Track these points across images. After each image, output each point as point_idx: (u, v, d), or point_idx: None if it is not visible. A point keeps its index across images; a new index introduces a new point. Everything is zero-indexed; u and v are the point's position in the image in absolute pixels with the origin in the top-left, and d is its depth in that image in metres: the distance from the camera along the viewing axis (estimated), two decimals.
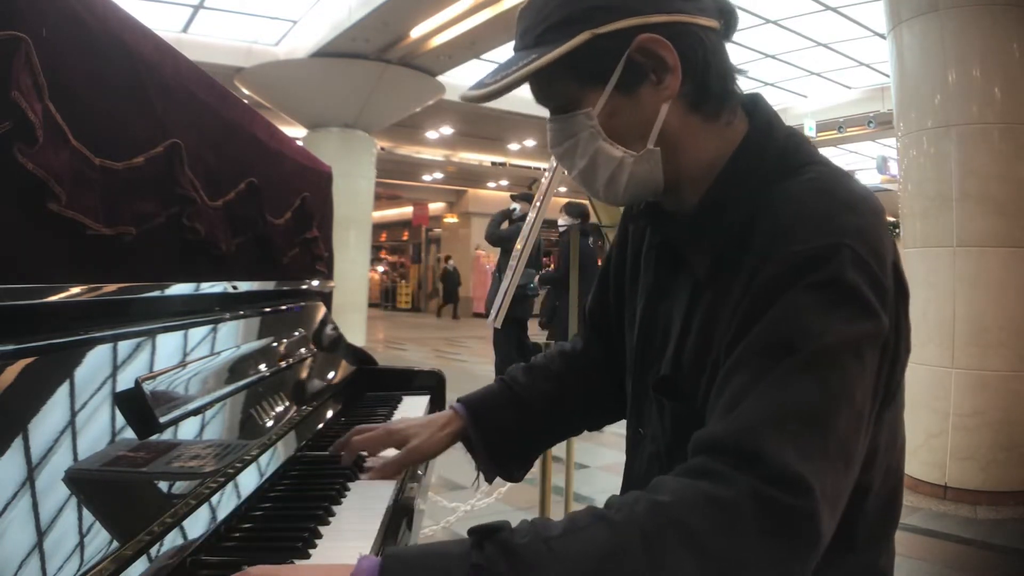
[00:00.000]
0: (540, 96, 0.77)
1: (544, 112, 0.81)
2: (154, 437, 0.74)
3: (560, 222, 5.43)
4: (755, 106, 0.78)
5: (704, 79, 0.72)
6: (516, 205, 5.85)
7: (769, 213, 0.67)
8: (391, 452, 1.04)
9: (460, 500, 2.70)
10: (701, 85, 0.72)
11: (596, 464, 4.22)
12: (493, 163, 16.72)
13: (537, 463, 1.91)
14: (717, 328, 0.70)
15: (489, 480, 1.02)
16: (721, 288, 0.70)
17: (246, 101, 1.96)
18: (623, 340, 0.93)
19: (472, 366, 8.57)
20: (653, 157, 0.73)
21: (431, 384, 1.71)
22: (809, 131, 11.84)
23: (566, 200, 5.58)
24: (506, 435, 0.99)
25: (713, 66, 0.72)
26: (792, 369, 0.60)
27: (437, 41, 8.16)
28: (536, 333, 5.97)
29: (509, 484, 2.53)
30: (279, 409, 1.10)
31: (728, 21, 0.76)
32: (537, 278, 5.98)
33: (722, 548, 0.54)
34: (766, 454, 0.57)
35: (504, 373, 1.05)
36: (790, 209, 0.66)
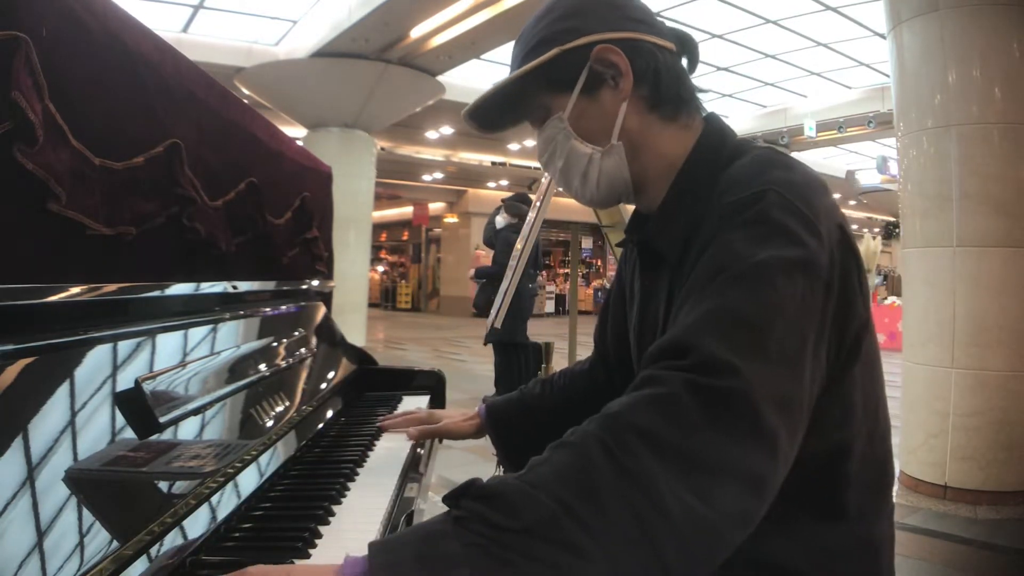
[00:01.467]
0: (527, 115, 0.89)
1: None
2: (154, 437, 0.74)
3: (499, 220, 5.50)
4: (711, 117, 0.88)
5: (656, 84, 0.83)
6: (502, 209, 5.80)
7: (718, 188, 0.76)
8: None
9: None
10: (654, 89, 0.83)
11: None
12: (493, 163, 16.72)
13: None
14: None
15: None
16: (688, 265, 0.75)
17: (246, 101, 1.96)
18: (621, 364, 1.02)
19: (472, 366, 8.57)
20: (617, 151, 0.84)
21: (431, 384, 1.72)
22: (809, 131, 11.85)
23: (509, 195, 5.72)
24: (516, 437, 1.12)
25: (664, 74, 0.83)
26: (724, 281, 0.65)
27: (437, 41, 8.16)
28: (535, 333, 5.96)
29: None
30: (279, 409, 1.10)
31: (689, 52, 0.88)
32: (473, 271, 6.00)
33: (675, 439, 0.57)
34: (696, 346, 0.61)
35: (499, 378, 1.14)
36: (730, 178, 0.76)
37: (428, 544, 0.54)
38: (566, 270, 20.67)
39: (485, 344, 5.61)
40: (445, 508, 0.58)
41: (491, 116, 0.90)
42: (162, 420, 0.75)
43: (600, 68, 0.82)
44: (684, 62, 0.88)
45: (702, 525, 0.56)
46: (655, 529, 0.54)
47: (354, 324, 9.39)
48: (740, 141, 0.85)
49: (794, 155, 0.93)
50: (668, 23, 0.89)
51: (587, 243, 20.80)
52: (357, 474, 1.05)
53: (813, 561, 0.74)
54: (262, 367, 1.11)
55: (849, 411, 0.75)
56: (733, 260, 0.66)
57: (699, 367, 0.60)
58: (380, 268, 24.29)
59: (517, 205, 5.50)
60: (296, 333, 1.38)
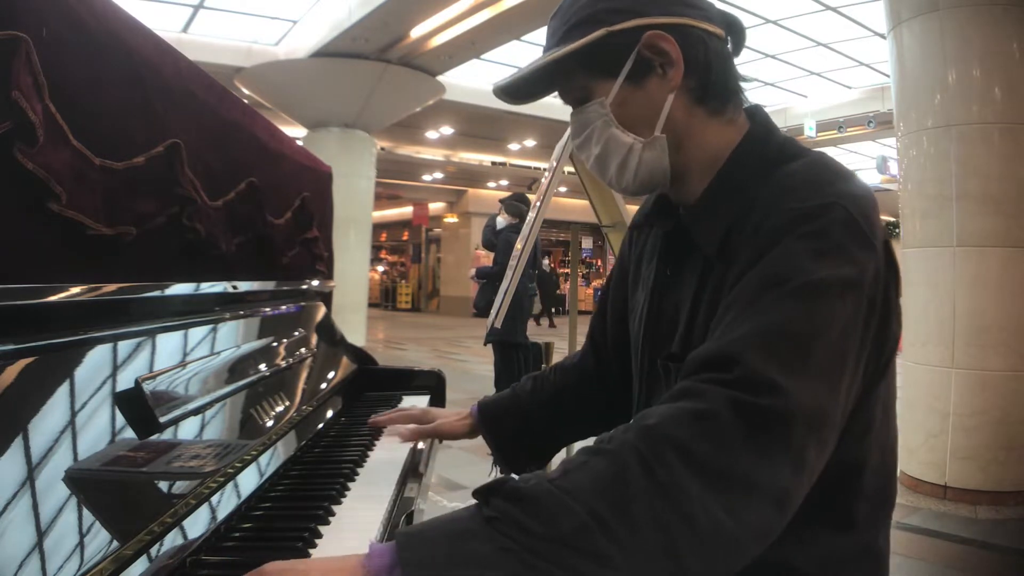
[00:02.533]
0: (562, 92, 0.85)
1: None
2: (154, 437, 0.74)
3: (499, 221, 5.49)
4: (756, 111, 0.85)
5: (706, 75, 0.79)
6: (502, 209, 5.78)
7: (772, 186, 0.74)
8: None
9: (460, 500, 2.70)
10: (703, 80, 0.79)
11: None
12: (493, 163, 16.71)
13: None
14: (725, 295, 0.73)
15: (503, 472, 1.13)
16: (729, 258, 0.74)
17: (246, 101, 1.96)
18: (619, 350, 1.01)
19: (472, 366, 8.56)
20: (660, 144, 0.80)
21: (431, 384, 1.71)
22: (809, 131, 11.84)
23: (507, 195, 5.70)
24: (509, 434, 1.11)
25: (714, 65, 0.80)
26: (779, 296, 0.65)
27: (437, 41, 8.15)
28: (534, 333, 5.96)
29: None
30: (279, 409, 1.10)
31: (736, 36, 0.84)
32: (474, 271, 6.00)
33: (712, 456, 0.57)
34: (743, 361, 0.61)
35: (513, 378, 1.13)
36: (790, 180, 0.73)
37: (459, 543, 0.55)
38: (566, 270, 20.66)
39: (485, 344, 5.61)
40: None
41: (525, 90, 0.85)
42: (162, 420, 0.75)
43: (649, 55, 0.77)
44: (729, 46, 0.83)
45: (728, 540, 0.57)
46: (682, 543, 0.55)
47: (354, 324, 9.38)
48: (786, 138, 0.82)
49: None
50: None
51: (587, 243, 20.79)
52: (357, 474, 1.05)
53: (822, 567, 0.75)
54: (262, 367, 1.11)
55: (869, 425, 0.75)
56: (792, 274, 0.65)
57: (743, 383, 0.60)
58: (380, 268, 24.28)
59: (516, 205, 5.51)
60: (296, 333, 1.38)
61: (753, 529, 0.58)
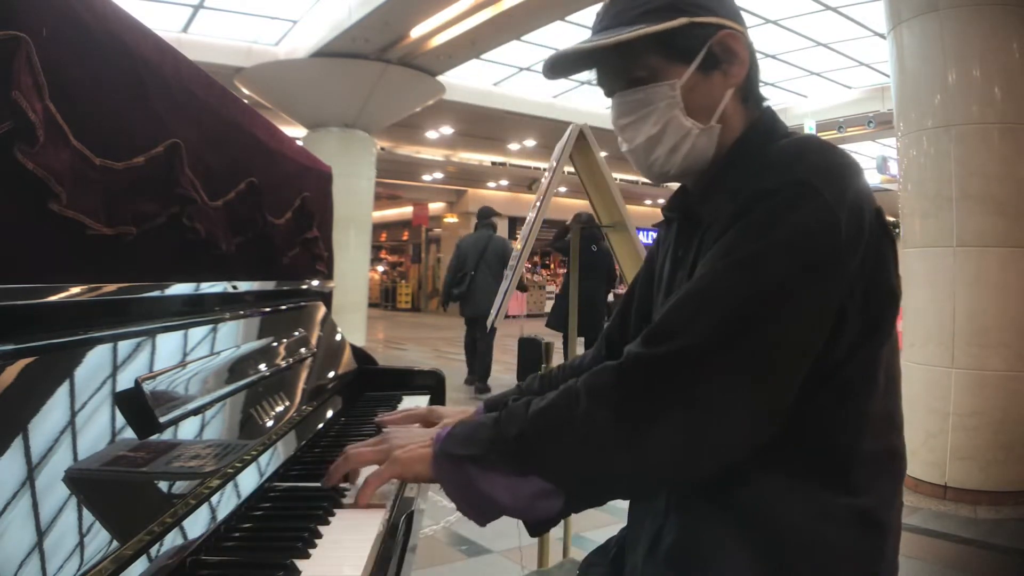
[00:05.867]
0: (620, 68, 0.88)
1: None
2: (154, 437, 0.74)
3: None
4: (767, 108, 0.93)
5: (755, 78, 0.90)
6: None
7: (759, 164, 0.80)
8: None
9: None
10: (752, 82, 0.89)
11: None
12: (493, 163, 16.71)
13: None
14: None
15: None
16: (714, 232, 0.80)
17: (246, 101, 1.96)
18: None
19: None
20: (714, 133, 0.87)
21: (431, 384, 1.72)
22: (809, 131, 11.84)
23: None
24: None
25: (759, 69, 0.91)
26: (719, 268, 0.74)
27: (437, 41, 8.15)
28: (535, 332, 5.96)
29: None
30: (279, 409, 1.10)
31: None
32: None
33: (616, 398, 0.73)
34: (655, 321, 0.75)
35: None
36: (768, 158, 0.80)
37: (477, 429, 0.80)
38: (564, 270, 20.61)
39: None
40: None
41: (577, 65, 0.90)
42: (162, 420, 0.75)
43: (717, 51, 0.85)
44: None
45: (635, 456, 0.72)
46: (589, 452, 0.73)
47: (354, 324, 9.39)
48: (788, 128, 0.89)
49: None
50: None
51: None
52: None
53: (809, 520, 0.76)
54: (262, 367, 1.11)
55: (871, 387, 0.78)
56: (735, 246, 0.73)
57: (647, 339, 0.73)
58: (380, 268, 24.27)
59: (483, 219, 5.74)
60: (296, 333, 1.38)
61: (660, 460, 0.72)
